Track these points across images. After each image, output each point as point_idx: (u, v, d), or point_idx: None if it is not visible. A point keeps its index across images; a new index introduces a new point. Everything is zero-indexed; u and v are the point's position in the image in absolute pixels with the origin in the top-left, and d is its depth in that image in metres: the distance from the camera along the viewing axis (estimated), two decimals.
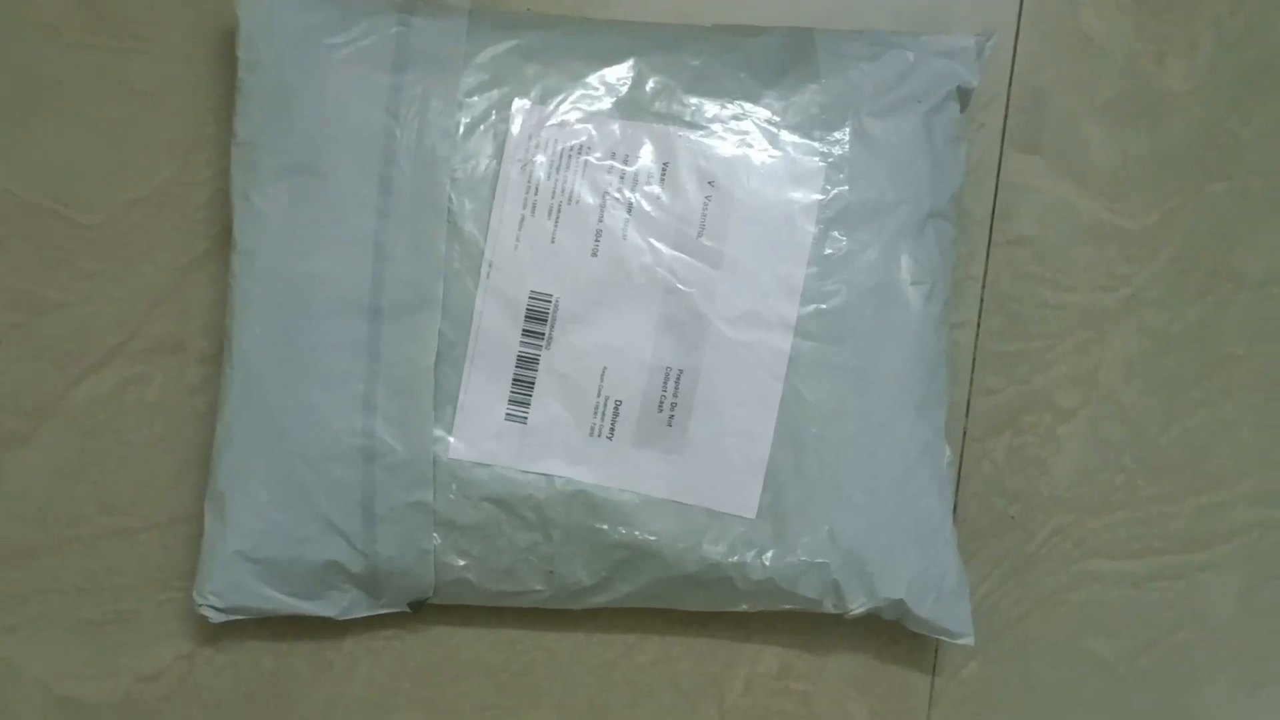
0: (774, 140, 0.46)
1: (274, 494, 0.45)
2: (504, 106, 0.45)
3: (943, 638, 0.47)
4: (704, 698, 0.50)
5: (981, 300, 0.51)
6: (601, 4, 0.50)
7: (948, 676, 0.51)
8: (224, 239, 0.48)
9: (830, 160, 0.46)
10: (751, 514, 0.46)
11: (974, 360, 0.51)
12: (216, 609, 0.45)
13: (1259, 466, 0.51)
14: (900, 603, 0.46)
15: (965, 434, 0.51)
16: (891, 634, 0.50)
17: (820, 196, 0.46)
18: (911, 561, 0.46)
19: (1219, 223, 0.51)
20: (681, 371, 0.45)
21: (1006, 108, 0.51)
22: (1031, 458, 0.51)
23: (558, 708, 0.49)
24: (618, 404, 0.45)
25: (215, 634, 0.48)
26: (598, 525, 0.45)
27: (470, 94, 0.45)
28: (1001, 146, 0.51)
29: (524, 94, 0.45)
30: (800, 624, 0.50)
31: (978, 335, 0.51)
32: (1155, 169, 0.51)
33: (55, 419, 0.48)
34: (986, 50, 0.47)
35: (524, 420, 0.45)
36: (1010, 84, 0.51)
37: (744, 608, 0.47)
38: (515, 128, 0.45)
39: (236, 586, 0.45)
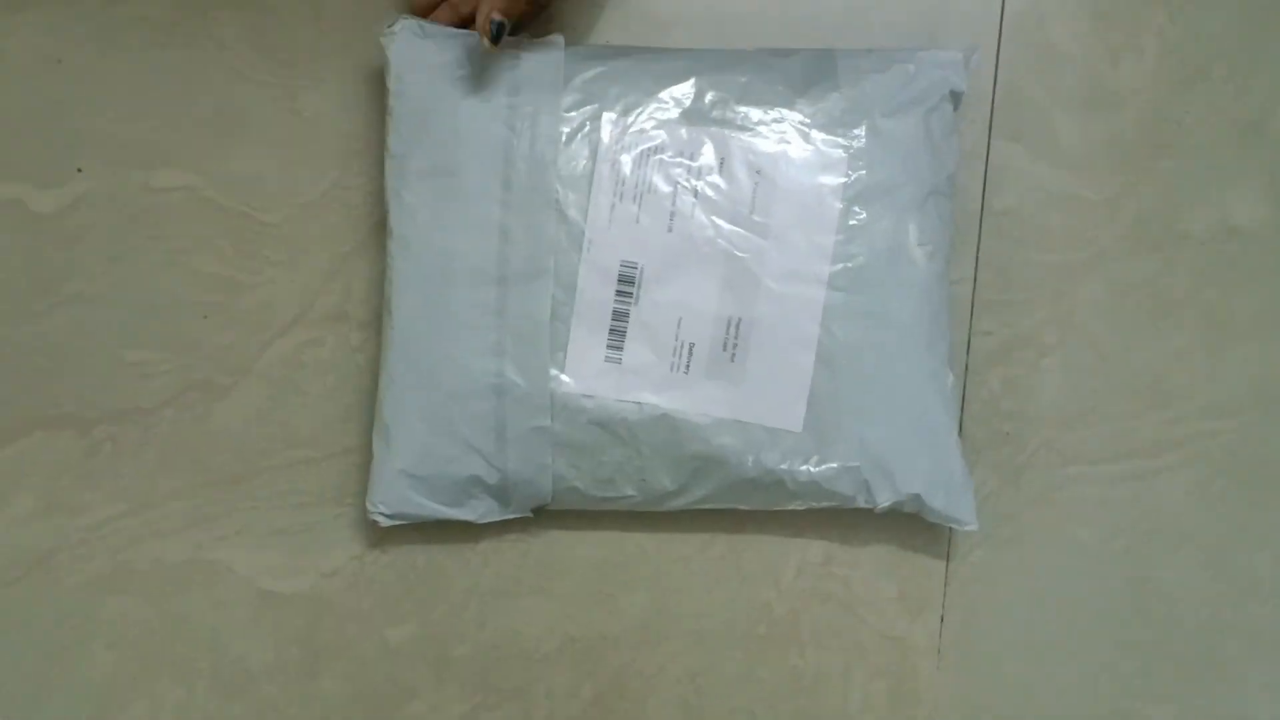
0: (806, 137, 0.56)
1: (428, 424, 0.55)
2: (595, 118, 0.56)
3: (953, 525, 0.58)
4: (763, 582, 0.60)
5: (977, 260, 0.61)
6: (661, 35, 0.61)
7: (959, 561, 0.61)
8: (377, 231, 0.60)
9: (851, 151, 0.56)
10: (798, 428, 0.56)
11: (972, 308, 0.61)
12: (386, 515, 0.56)
13: (1206, 386, 0.61)
14: (917, 497, 0.56)
15: (967, 368, 0.61)
16: (911, 528, 0.60)
17: (844, 179, 0.56)
18: (925, 463, 0.57)
19: (1167, 192, 0.61)
20: (740, 320, 0.56)
21: (992, 104, 0.62)
22: (1021, 385, 0.61)
23: (649, 593, 0.61)
24: (691, 346, 0.56)
25: (380, 538, 0.59)
26: (678, 440, 0.56)
27: (569, 110, 0.56)
28: (989, 136, 0.61)
29: (610, 109, 0.56)
30: (839, 521, 0.60)
31: (974, 288, 0.61)
32: (1113, 150, 0.61)
33: (250, 375, 0.60)
34: (972, 62, 0.58)
35: (619, 361, 0.56)
36: (995, 85, 0.62)
37: (794, 506, 0.57)
38: (605, 135, 0.56)
39: (400, 498, 0.56)
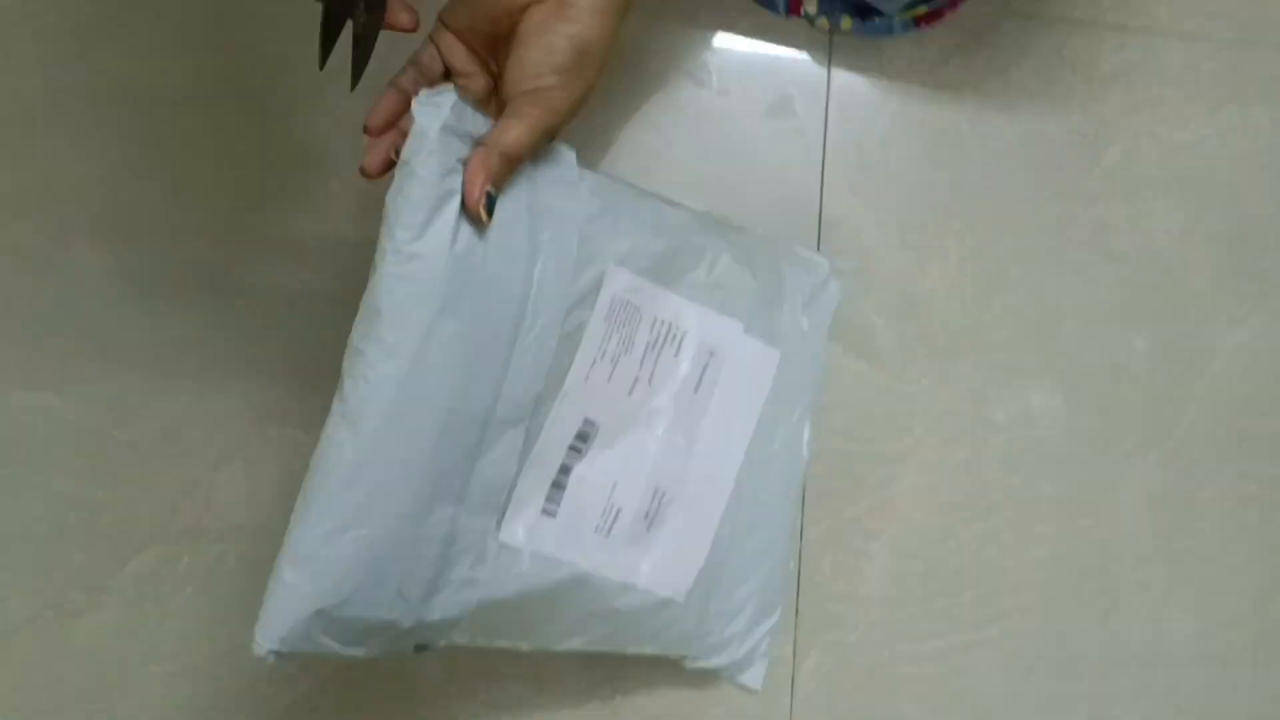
0: (754, 327, 0.59)
1: (366, 567, 0.48)
2: (600, 270, 0.53)
3: (746, 684, 0.63)
4: None
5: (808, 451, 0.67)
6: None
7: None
8: (233, 447, 0.63)
9: (783, 350, 0.61)
10: (682, 599, 0.59)
11: (803, 497, 0.66)
12: (278, 654, 0.48)
13: (1015, 564, 0.66)
14: (737, 662, 0.62)
15: (800, 554, 0.66)
16: (753, 714, 0.64)
17: (774, 375, 0.61)
18: (755, 634, 0.62)
19: (973, 384, 0.67)
20: (665, 493, 0.58)
21: None
22: (849, 569, 0.66)
23: None
24: (618, 511, 0.57)
25: None
26: (584, 599, 0.56)
27: (584, 240, 0.52)
28: None
29: (611, 255, 0.54)
30: (687, 709, 0.64)
31: (804, 480, 0.66)
32: (924, 347, 0.67)
33: (107, 593, 0.62)
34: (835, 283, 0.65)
35: (554, 515, 0.55)
36: None
37: (638, 653, 0.60)
38: (604, 292, 0.54)
39: (304, 637, 0.48)
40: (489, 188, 0.47)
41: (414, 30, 0.51)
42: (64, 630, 0.61)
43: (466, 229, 0.48)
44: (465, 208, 0.47)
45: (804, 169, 0.68)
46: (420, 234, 0.47)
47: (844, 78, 0.69)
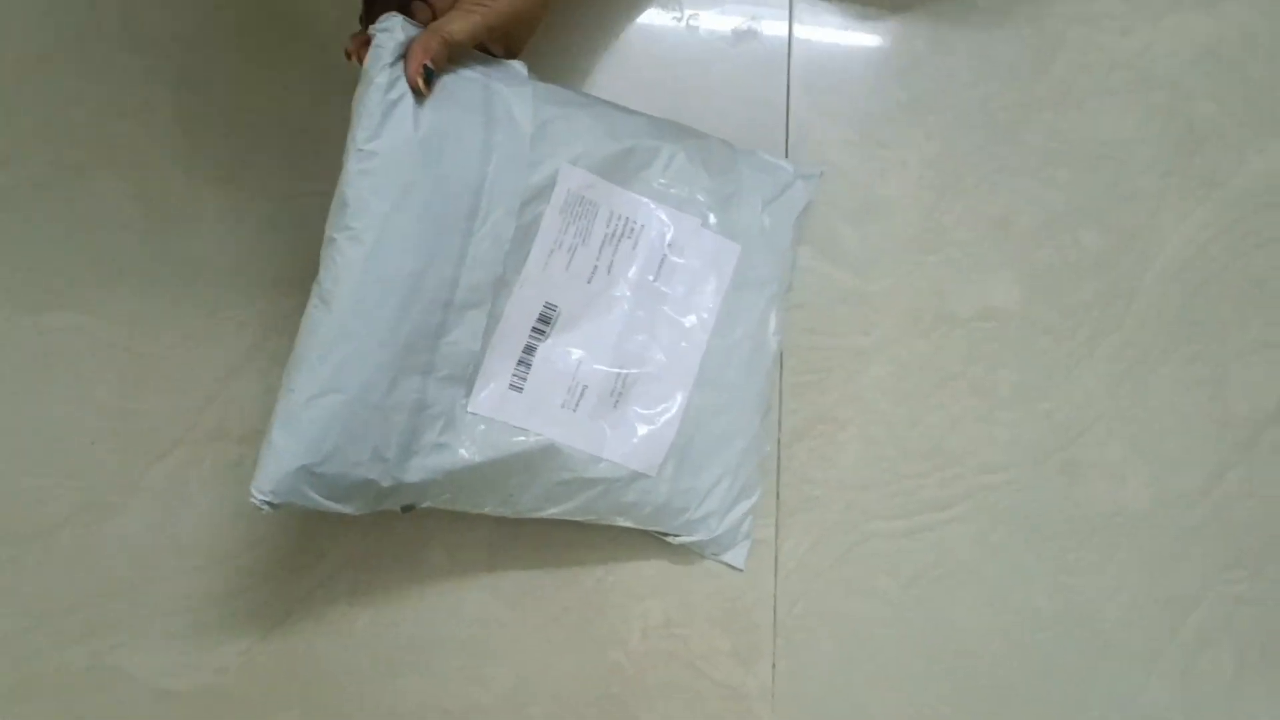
0: (711, 223, 0.64)
1: (343, 427, 0.55)
2: (554, 169, 0.59)
3: (729, 563, 0.68)
4: (613, 646, 0.68)
5: (780, 349, 0.71)
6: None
7: (784, 613, 0.69)
8: (250, 354, 0.68)
9: (743, 243, 0.65)
10: (653, 473, 0.64)
11: (780, 390, 0.71)
12: (271, 504, 0.54)
13: (979, 447, 0.71)
14: (717, 538, 0.67)
15: (779, 441, 0.71)
16: (739, 590, 0.69)
17: (733, 268, 0.65)
18: (733, 514, 0.67)
19: (935, 281, 0.72)
20: (628, 373, 0.63)
21: None
22: (823, 455, 0.70)
23: (512, 663, 0.68)
24: (584, 388, 0.62)
25: (265, 635, 0.66)
26: (554, 468, 0.61)
27: (535, 149, 0.58)
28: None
29: (567, 157, 0.59)
30: (676, 586, 0.68)
31: (781, 372, 0.71)
32: (887, 249, 0.72)
33: (139, 493, 0.67)
34: (816, 181, 0.69)
35: (520, 390, 0.61)
36: None
37: (623, 524, 0.65)
38: (559, 187, 0.59)
39: (292, 490, 0.55)
40: (426, 62, 0.54)
41: None
42: (101, 527, 0.66)
43: (420, 130, 0.54)
44: (406, 79, 0.54)
45: (770, 89, 0.73)
46: (377, 134, 0.54)
47: (806, 2, 0.74)
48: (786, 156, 0.72)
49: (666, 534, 0.67)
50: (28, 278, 0.68)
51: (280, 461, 0.55)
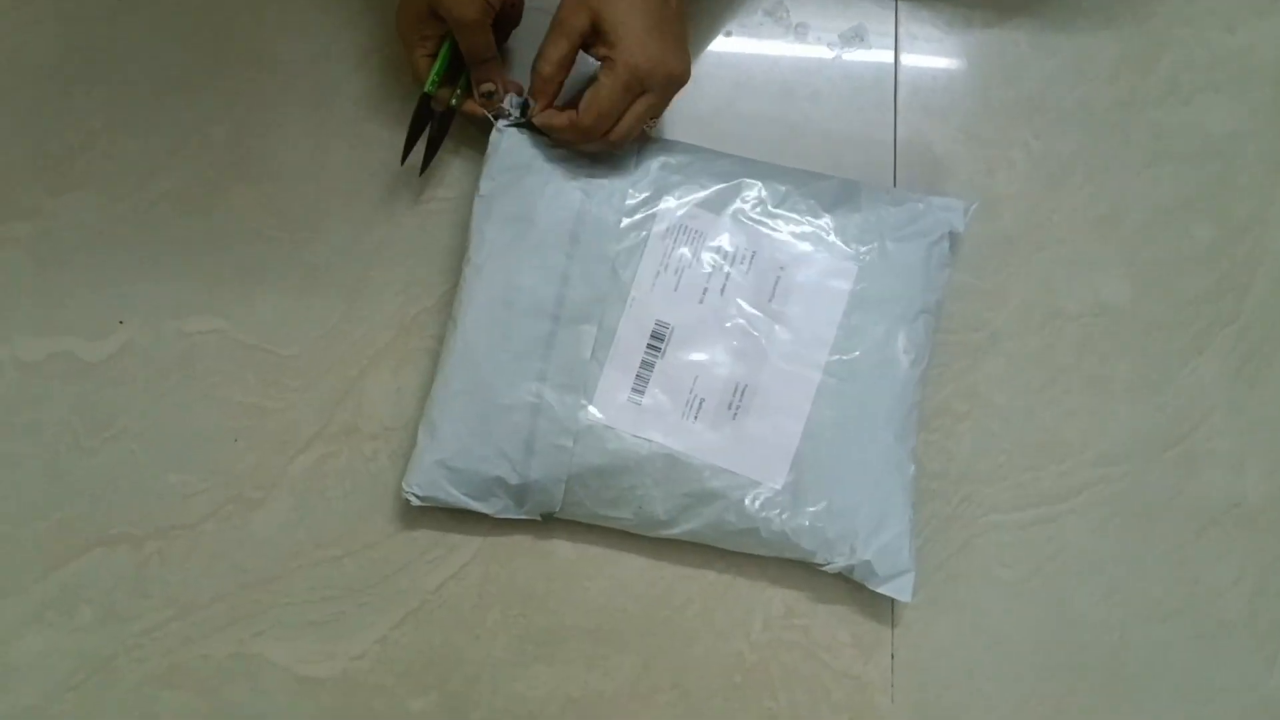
0: (826, 246, 0.67)
1: (470, 426, 0.64)
2: (656, 200, 0.66)
3: (891, 595, 0.66)
4: (735, 636, 0.69)
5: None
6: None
7: (902, 605, 0.69)
8: (381, 355, 0.70)
9: (861, 264, 0.66)
10: (779, 485, 0.65)
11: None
12: (418, 497, 0.65)
13: (1095, 440, 0.71)
14: (867, 564, 0.65)
15: None
16: (858, 582, 0.70)
17: (850, 287, 0.66)
18: (879, 538, 0.65)
19: (1044, 278, 0.73)
20: (746, 385, 0.66)
21: None
22: (941, 448, 0.71)
23: (637, 653, 0.69)
24: (702, 400, 0.66)
25: (400, 624, 0.68)
26: (677, 477, 0.65)
27: (636, 189, 0.66)
28: None
29: (670, 194, 0.66)
30: (797, 579, 0.69)
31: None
32: (997, 246, 0.73)
33: (279, 488, 0.69)
34: (970, 212, 0.69)
35: (639, 402, 0.65)
36: None
37: (762, 553, 0.66)
38: (662, 214, 0.66)
39: (433, 484, 0.65)
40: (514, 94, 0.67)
41: (489, 112, 0.68)
42: (243, 520, 0.69)
43: (529, 172, 0.66)
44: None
45: (878, 93, 0.75)
46: (491, 176, 0.66)
47: (910, 7, 0.76)
48: (895, 156, 0.74)
49: (820, 564, 0.67)
50: (171, 286, 0.71)
51: (423, 459, 0.65)
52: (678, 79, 0.62)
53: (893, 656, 0.70)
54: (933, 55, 0.75)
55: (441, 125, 0.69)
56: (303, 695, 0.68)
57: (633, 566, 0.70)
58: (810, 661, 0.70)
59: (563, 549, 0.70)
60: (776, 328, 0.66)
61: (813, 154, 0.73)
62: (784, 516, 0.65)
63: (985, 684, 0.70)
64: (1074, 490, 0.72)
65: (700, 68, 0.74)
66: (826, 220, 0.67)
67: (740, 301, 0.66)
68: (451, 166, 0.73)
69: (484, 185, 0.67)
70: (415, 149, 0.69)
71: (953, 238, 0.69)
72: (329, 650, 0.68)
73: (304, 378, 0.71)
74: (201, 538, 0.69)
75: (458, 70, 0.68)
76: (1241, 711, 0.71)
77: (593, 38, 0.61)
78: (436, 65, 0.66)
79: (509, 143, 0.67)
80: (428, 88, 0.67)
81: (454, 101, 0.68)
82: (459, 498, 0.65)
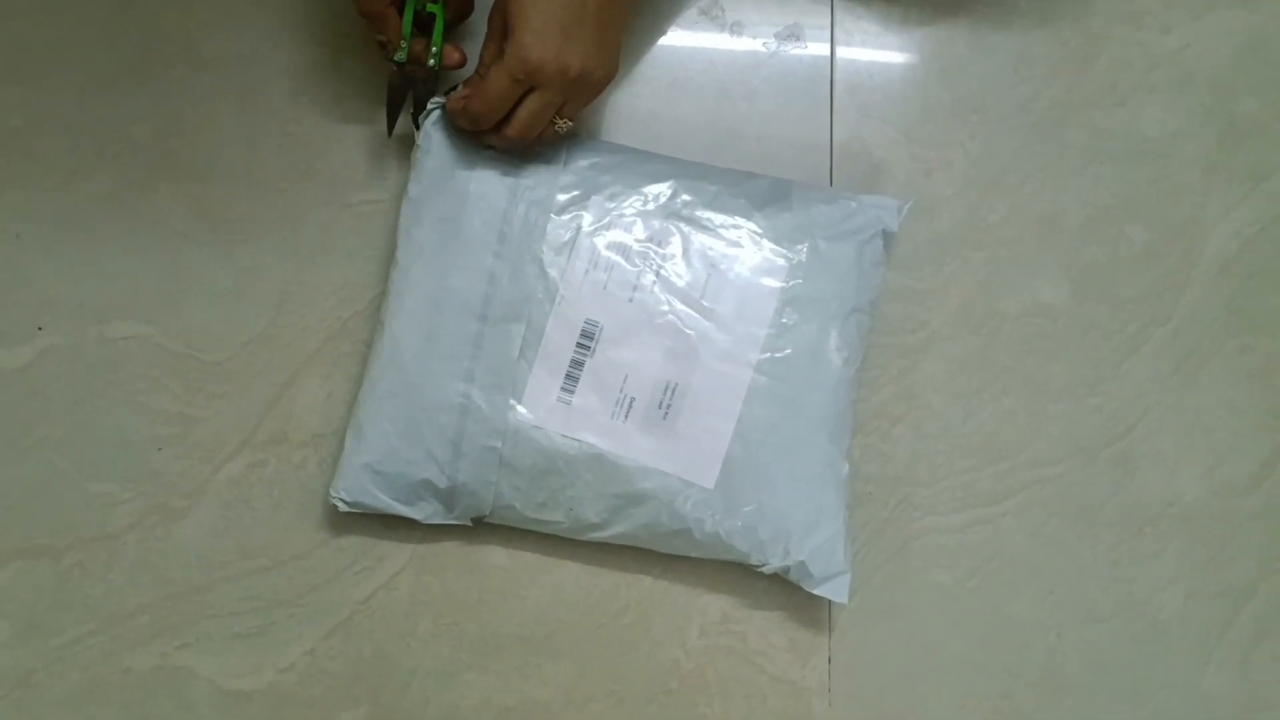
0: (757, 245, 0.66)
1: (397, 428, 0.64)
2: (585, 198, 0.65)
3: (827, 597, 0.65)
4: (671, 643, 0.68)
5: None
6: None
7: (839, 608, 0.69)
8: (310, 361, 0.69)
9: (792, 263, 0.65)
10: (710, 485, 0.64)
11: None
12: (345, 502, 0.64)
13: (1032, 441, 0.71)
14: (802, 564, 0.64)
15: None
16: (794, 586, 0.68)
17: (782, 284, 0.65)
18: (813, 539, 0.64)
19: (982, 279, 0.72)
20: (677, 385, 0.65)
21: None
22: (878, 451, 0.71)
23: (572, 661, 0.68)
24: (632, 400, 0.65)
25: (329, 635, 0.67)
26: (607, 478, 0.64)
27: (564, 188, 0.65)
28: None
29: (599, 193, 0.65)
30: (733, 585, 0.68)
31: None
32: (934, 247, 0.72)
33: (204, 497, 0.68)
34: (904, 210, 0.68)
35: (569, 402, 0.64)
36: None
37: (696, 554, 0.66)
38: (590, 213, 0.65)
39: (361, 488, 0.64)
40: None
41: (463, 66, 0.67)
42: (168, 531, 0.68)
43: (455, 176, 0.65)
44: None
45: (814, 93, 0.74)
46: (418, 180, 0.66)
47: (847, 5, 0.75)
48: (832, 158, 0.73)
49: (755, 565, 0.66)
50: (93, 290, 0.69)
51: (350, 463, 0.64)
52: (581, 79, 0.61)
53: (830, 660, 0.70)
54: (870, 51, 0.75)
55: (426, 86, 0.66)
56: (229, 709, 0.66)
57: (568, 573, 0.69)
58: (746, 667, 0.69)
59: (496, 556, 0.69)
60: (707, 325, 0.65)
61: (749, 155, 0.73)
62: (716, 517, 0.65)
63: (923, 687, 0.70)
64: (1011, 491, 0.71)
65: (636, 68, 0.73)
66: (758, 219, 0.67)
67: (671, 299, 0.65)
68: (384, 169, 0.71)
69: (412, 188, 0.66)
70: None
71: (887, 236, 0.68)
72: (256, 663, 0.67)
73: (231, 384, 0.69)
74: (124, 549, 0.67)
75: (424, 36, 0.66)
76: (1178, 711, 0.71)
77: (505, 32, 0.61)
78: (405, 32, 0.65)
79: (437, 145, 0.66)
80: (399, 57, 0.65)
81: (432, 62, 0.66)
82: (387, 502, 0.64)
